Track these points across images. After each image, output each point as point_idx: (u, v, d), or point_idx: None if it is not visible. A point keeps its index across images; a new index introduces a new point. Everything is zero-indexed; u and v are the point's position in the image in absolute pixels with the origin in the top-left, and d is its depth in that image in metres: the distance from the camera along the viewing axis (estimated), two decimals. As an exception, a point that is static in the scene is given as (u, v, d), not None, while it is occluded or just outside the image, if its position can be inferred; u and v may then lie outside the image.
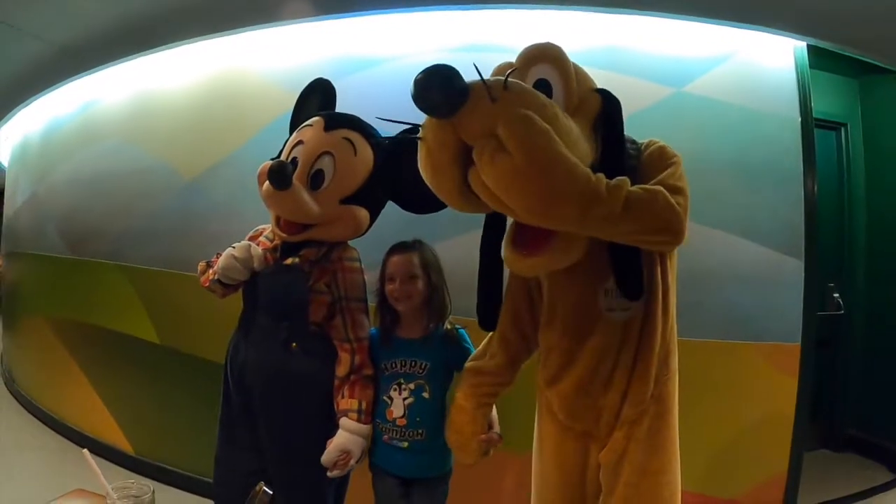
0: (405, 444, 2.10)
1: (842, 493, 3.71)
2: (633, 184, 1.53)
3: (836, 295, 4.17)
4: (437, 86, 1.37)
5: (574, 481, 1.86)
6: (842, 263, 4.37)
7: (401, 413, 2.10)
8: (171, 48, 3.82)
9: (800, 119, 3.16)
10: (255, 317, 2.17)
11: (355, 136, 2.12)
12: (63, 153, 4.71)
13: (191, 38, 3.64)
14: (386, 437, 2.12)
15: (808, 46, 3.25)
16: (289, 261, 2.09)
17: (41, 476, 3.65)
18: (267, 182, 1.97)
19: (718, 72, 3.07)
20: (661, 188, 1.54)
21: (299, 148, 2.10)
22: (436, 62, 1.38)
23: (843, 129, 4.41)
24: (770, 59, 3.18)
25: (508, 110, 1.40)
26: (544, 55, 1.70)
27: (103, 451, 4.03)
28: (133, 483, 1.47)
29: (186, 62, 3.84)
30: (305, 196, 2.01)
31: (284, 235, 2.08)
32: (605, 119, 1.65)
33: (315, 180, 2.07)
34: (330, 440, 2.04)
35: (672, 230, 1.55)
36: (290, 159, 2.08)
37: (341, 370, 2.11)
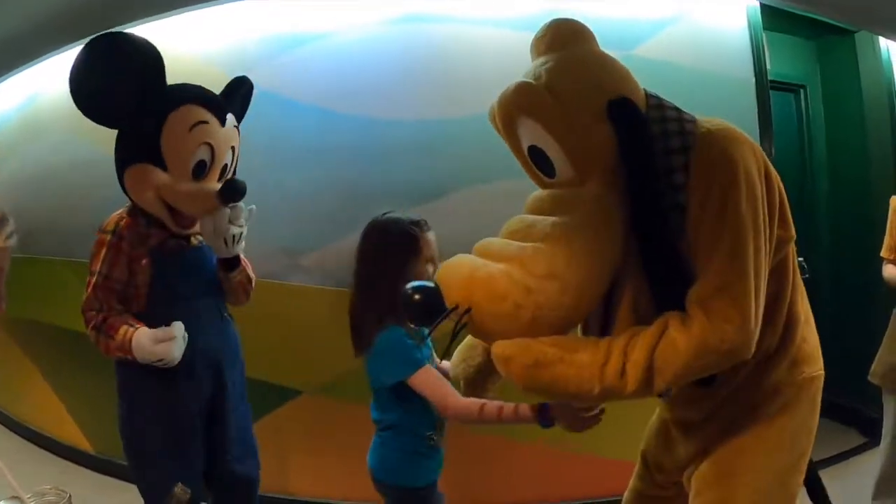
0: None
1: (814, 457, 3.70)
2: (684, 184, 1.29)
3: (800, 259, 4.11)
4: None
5: None
6: (804, 227, 4.32)
7: None
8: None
9: (754, 80, 3.11)
10: (190, 304, 2.16)
11: (234, 120, 2.20)
12: (8, 149, 4.58)
13: (126, 23, 3.53)
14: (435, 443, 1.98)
15: (762, 6, 3.21)
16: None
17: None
18: (213, 198, 2.04)
19: (668, 33, 2.99)
20: (673, 321, 1.26)
21: (204, 149, 2.10)
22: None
23: (801, 91, 4.39)
24: (722, 19, 3.13)
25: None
26: (519, 107, 1.37)
27: (63, 451, 3.99)
28: (51, 488, 1.42)
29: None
30: None
31: (180, 229, 2.15)
32: (623, 162, 1.32)
33: (220, 173, 2.19)
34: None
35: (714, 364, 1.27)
36: (197, 161, 2.09)
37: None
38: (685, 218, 1.30)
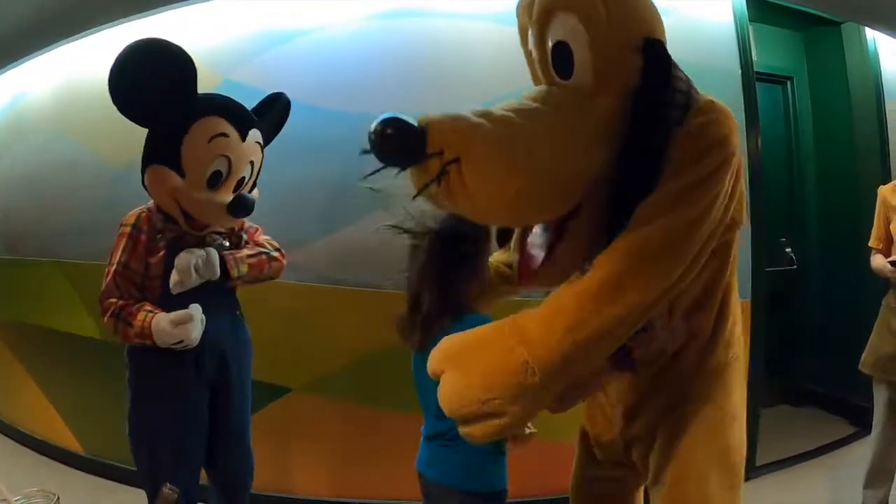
0: None
1: (803, 447, 3.73)
2: (664, 160, 1.27)
3: (788, 250, 4.15)
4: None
5: None
6: (793, 218, 4.35)
7: None
8: (93, 33, 3.71)
9: (741, 72, 3.11)
10: (202, 300, 2.19)
11: (258, 136, 2.29)
12: (-6, 151, 4.54)
13: (112, 21, 3.52)
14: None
15: (747, -2, 3.22)
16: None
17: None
18: (222, 210, 2.15)
19: (655, 27, 2.97)
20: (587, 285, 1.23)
21: (221, 161, 2.17)
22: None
23: (788, 83, 4.40)
24: (708, 11, 3.14)
25: None
26: (570, 2, 1.32)
27: (53, 452, 3.96)
28: (38, 491, 1.41)
29: (111, 47, 3.66)
30: None
31: (195, 232, 2.23)
32: (639, 96, 1.30)
33: (237, 186, 2.26)
34: None
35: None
36: (213, 172, 2.16)
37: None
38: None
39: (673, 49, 1.36)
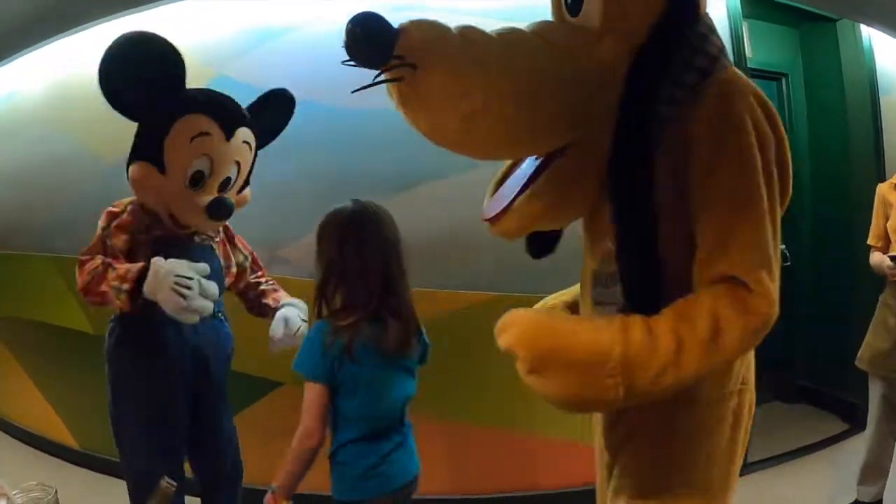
0: None
1: (796, 444, 3.74)
2: (667, 148, 1.20)
3: (782, 246, 4.13)
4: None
5: None
6: (786, 215, 4.33)
7: None
8: (86, 30, 3.68)
9: (735, 69, 3.11)
10: None
11: (248, 135, 2.22)
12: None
13: (105, 17, 3.51)
14: None
15: (741, -7, 3.22)
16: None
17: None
18: (201, 211, 2.09)
19: (649, 21, 2.97)
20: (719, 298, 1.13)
21: (203, 160, 2.11)
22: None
23: (783, 80, 4.39)
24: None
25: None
26: None
27: (48, 447, 3.97)
28: (36, 485, 1.41)
29: (103, 44, 3.66)
30: None
31: (178, 231, 2.18)
32: (648, 39, 1.21)
33: (222, 186, 2.20)
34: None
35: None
36: (191, 174, 2.10)
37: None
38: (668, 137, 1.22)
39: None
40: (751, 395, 1.41)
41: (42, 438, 4.04)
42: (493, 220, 1.36)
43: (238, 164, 2.23)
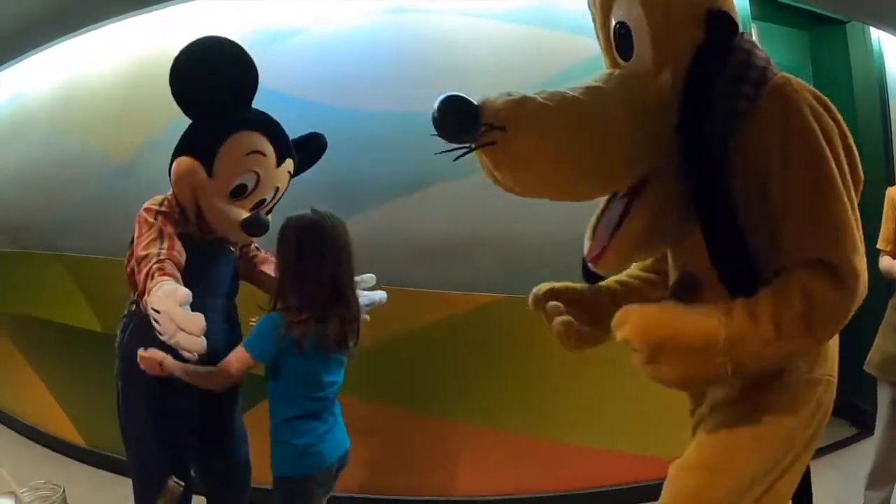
0: None
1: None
2: (742, 157, 1.29)
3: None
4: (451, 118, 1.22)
5: None
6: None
7: None
8: (94, 30, 3.72)
9: (743, 71, 3.10)
10: (201, 301, 1.99)
11: (291, 166, 2.32)
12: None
13: (113, 18, 3.54)
14: None
15: (751, -4, 3.21)
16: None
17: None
18: (237, 224, 2.16)
19: (658, 23, 2.96)
20: (809, 277, 1.22)
21: (251, 176, 2.19)
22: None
23: (793, 83, 4.36)
24: (711, 10, 3.11)
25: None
26: None
27: (55, 444, 4.00)
28: (44, 483, 1.41)
29: (110, 44, 3.73)
30: None
31: (199, 231, 2.21)
32: (695, 65, 1.31)
33: (256, 205, 2.28)
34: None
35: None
36: (236, 185, 2.16)
37: None
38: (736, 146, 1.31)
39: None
40: (833, 392, 1.46)
41: (48, 435, 4.07)
42: (596, 260, 1.43)
43: (276, 189, 2.31)
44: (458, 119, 1.20)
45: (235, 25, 3.27)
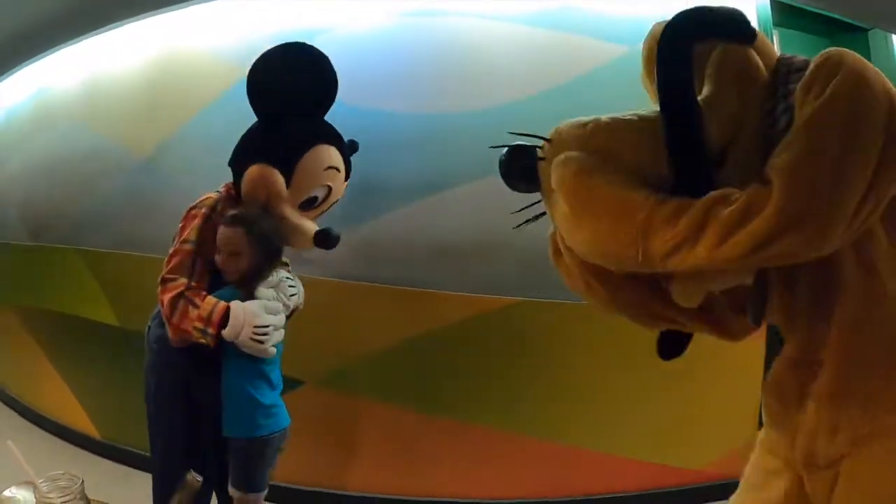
0: None
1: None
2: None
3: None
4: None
5: None
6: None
7: None
8: (118, 27, 3.75)
9: (763, 78, 3.08)
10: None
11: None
12: (18, 141, 4.61)
13: (131, 17, 3.58)
14: None
15: (772, 2, 3.19)
16: None
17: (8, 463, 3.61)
18: (309, 237, 2.22)
19: (676, 29, 2.94)
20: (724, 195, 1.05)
21: (324, 190, 2.28)
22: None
23: (814, 90, 4.33)
24: (731, 16, 3.10)
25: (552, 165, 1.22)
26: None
27: (71, 436, 4.02)
28: (63, 474, 1.42)
29: (135, 41, 3.76)
30: None
31: None
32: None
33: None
34: None
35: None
36: (311, 196, 2.26)
37: None
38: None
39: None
40: None
41: (65, 428, 4.09)
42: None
43: (334, 203, 2.38)
44: (524, 174, 1.25)
45: (257, 26, 3.30)
